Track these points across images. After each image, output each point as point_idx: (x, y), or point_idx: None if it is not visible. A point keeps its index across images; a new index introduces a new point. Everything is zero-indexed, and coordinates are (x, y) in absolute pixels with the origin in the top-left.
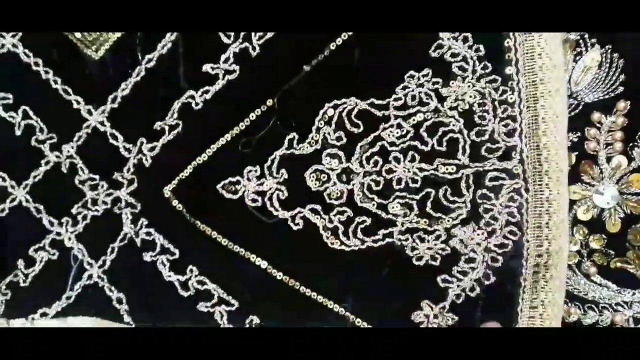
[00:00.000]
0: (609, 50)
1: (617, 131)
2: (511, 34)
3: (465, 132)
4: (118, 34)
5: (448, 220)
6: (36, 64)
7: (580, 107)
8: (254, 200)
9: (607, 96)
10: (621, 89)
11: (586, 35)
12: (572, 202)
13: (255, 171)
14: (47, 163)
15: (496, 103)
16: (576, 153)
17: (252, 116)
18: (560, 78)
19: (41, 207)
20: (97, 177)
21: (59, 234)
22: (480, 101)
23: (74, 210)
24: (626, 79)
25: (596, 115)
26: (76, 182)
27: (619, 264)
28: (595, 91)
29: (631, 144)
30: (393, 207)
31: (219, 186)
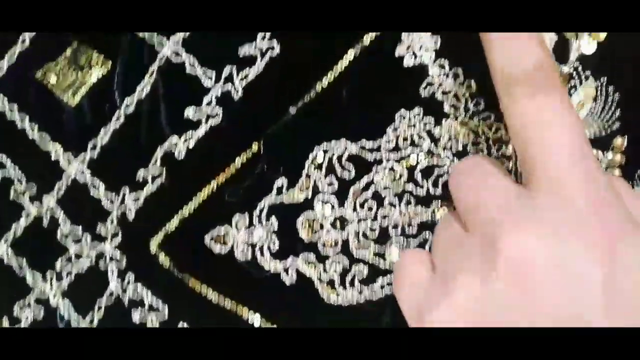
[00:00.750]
0: (604, 84)
1: (615, 168)
2: None
3: None
4: (94, 79)
5: None
6: (11, 111)
7: None
8: (243, 252)
9: (603, 132)
10: (618, 124)
11: (580, 68)
12: None
13: (244, 220)
14: (27, 216)
15: (490, 142)
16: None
17: (238, 162)
18: None
19: (24, 263)
20: (79, 230)
21: (43, 290)
22: (474, 140)
23: (57, 265)
24: (622, 113)
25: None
26: (58, 235)
27: None
28: (591, 126)
29: (630, 183)
30: (391, 254)
31: (206, 238)
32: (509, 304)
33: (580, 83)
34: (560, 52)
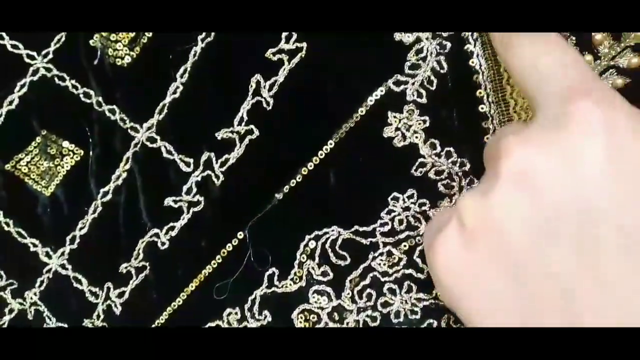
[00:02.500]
0: None
1: None
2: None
3: None
4: (68, 166)
5: None
6: None
7: None
8: None
9: None
10: None
11: None
12: None
13: (236, 314)
14: (10, 311)
15: None
16: None
17: (224, 252)
18: None
19: None
20: (65, 325)
21: None
22: None
23: None
24: None
25: None
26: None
27: None
28: None
29: None
30: None
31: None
32: (513, 208)
33: None
34: None
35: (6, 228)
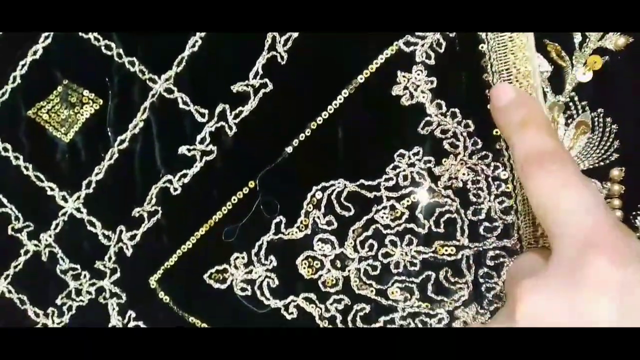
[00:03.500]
0: (601, 115)
1: (615, 198)
2: None
3: (462, 211)
4: (87, 115)
5: (450, 303)
6: (5, 150)
7: None
8: (243, 289)
9: (601, 163)
10: (616, 155)
11: (576, 98)
12: None
13: (243, 258)
14: (26, 253)
15: (490, 180)
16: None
17: (234, 199)
18: None
19: (25, 298)
20: (78, 266)
21: (45, 325)
22: (474, 178)
23: (58, 301)
24: (620, 145)
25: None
26: (57, 271)
27: None
28: (590, 157)
29: (634, 213)
30: (393, 293)
31: (205, 275)
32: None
33: (577, 114)
34: (556, 82)
35: (25, 172)
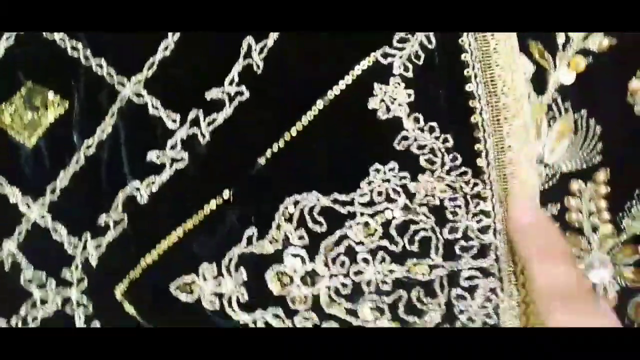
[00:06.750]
0: (584, 116)
1: (601, 199)
2: (480, 123)
3: (437, 229)
4: (51, 119)
5: (421, 324)
6: None
7: (558, 177)
8: (211, 302)
9: (584, 165)
10: (599, 157)
11: (559, 99)
12: None
13: (212, 270)
14: None
15: (468, 197)
16: (557, 224)
17: (204, 210)
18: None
19: None
20: (43, 274)
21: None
22: (452, 196)
23: (22, 311)
24: (604, 147)
25: (575, 185)
26: (21, 281)
27: None
28: (573, 158)
29: (620, 214)
30: (363, 312)
31: (172, 286)
32: None
33: (560, 115)
34: (538, 83)
35: None
